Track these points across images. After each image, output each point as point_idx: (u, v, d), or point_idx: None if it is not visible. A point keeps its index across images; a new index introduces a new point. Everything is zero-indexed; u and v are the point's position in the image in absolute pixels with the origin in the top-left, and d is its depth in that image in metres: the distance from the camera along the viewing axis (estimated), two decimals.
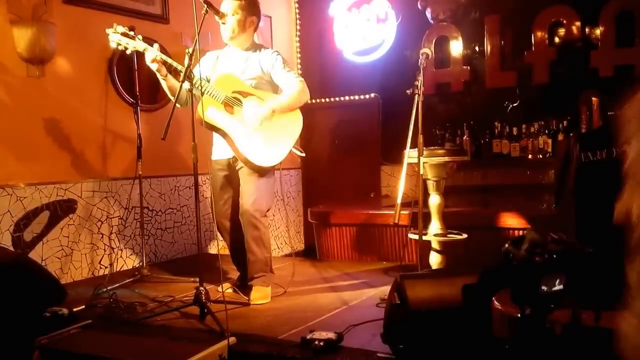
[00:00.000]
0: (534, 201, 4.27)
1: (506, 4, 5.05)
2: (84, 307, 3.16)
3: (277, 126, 3.30)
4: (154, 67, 3.16)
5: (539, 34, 4.89)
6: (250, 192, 3.32)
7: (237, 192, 3.42)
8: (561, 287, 1.62)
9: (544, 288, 1.64)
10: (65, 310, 2.96)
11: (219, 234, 3.61)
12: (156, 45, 3.18)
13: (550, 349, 1.69)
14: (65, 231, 4.02)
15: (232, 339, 2.50)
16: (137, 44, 3.16)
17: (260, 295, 3.30)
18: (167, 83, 3.25)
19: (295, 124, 3.40)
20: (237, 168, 3.40)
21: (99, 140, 4.28)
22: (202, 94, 3.15)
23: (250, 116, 3.24)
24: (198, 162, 2.94)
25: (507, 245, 1.86)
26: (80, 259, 4.10)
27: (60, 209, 4.00)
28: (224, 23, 3.33)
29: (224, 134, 3.27)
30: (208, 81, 3.31)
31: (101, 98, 4.29)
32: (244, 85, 3.33)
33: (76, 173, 4.12)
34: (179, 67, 3.11)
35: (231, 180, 3.45)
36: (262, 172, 3.33)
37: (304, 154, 3.52)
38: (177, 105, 3.06)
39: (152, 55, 3.13)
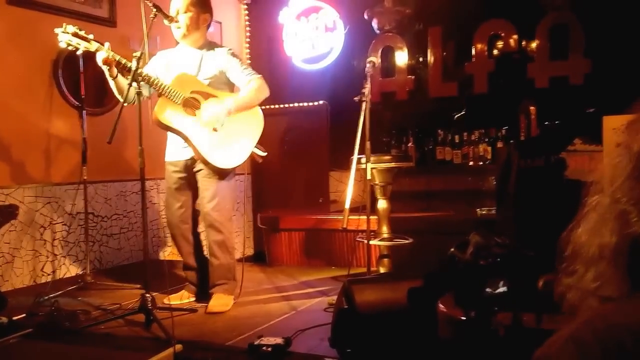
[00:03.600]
0: (475, 206, 4.43)
1: (448, 16, 5.17)
2: (24, 315, 3.08)
3: (237, 127, 3.25)
4: (105, 67, 3.08)
5: (478, 46, 5.05)
6: (211, 195, 3.27)
7: (195, 196, 3.35)
8: (505, 289, 1.69)
9: (489, 290, 1.70)
10: (4, 319, 2.88)
11: (167, 240, 3.57)
12: (107, 44, 3.08)
13: (494, 351, 1.75)
14: (7, 237, 3.89)
15: (179, 347, 2.49)
16: (89, 44, 3.07)
17: (219, 303, 3.22)
18: (116, 84, 3.16)
19: (255, 124, 3.35)
20: (194, 170, 3.32)
21: (43, 144, 4.16)
22: (160, 94, 3.12)
23: (207, 117, 3.18)
24: (146, 167, 2.91)
25: (452, 249, 1.92)
26: (21, 266, 3.98)
27: (1, 215, 3.87)
28: (178, 28, 3.28)
29: (183, 136, 3.20)
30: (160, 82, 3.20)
31: (45, 101, 4.18)
32: (202, 85, 3.27)
33: (18, 178, 3.99)
34: (132, 65, 3.02)
35: (189, 183, 3.36)
36: (222, 174, 3.27)
37: (265, 153, 3.42)
38: (125, 103, 2.99)
39: (104, 55, 3.04)
